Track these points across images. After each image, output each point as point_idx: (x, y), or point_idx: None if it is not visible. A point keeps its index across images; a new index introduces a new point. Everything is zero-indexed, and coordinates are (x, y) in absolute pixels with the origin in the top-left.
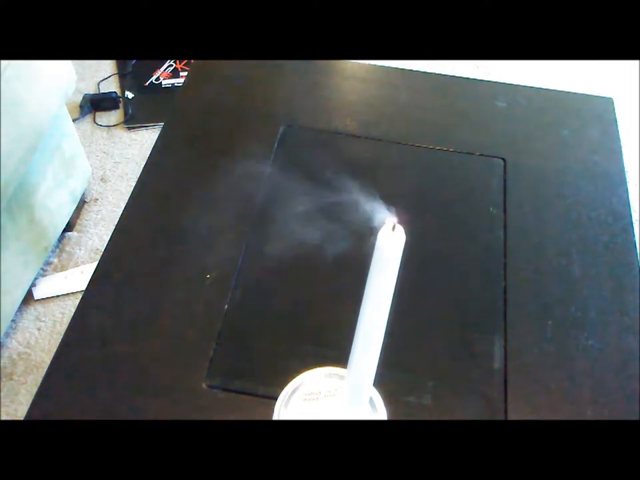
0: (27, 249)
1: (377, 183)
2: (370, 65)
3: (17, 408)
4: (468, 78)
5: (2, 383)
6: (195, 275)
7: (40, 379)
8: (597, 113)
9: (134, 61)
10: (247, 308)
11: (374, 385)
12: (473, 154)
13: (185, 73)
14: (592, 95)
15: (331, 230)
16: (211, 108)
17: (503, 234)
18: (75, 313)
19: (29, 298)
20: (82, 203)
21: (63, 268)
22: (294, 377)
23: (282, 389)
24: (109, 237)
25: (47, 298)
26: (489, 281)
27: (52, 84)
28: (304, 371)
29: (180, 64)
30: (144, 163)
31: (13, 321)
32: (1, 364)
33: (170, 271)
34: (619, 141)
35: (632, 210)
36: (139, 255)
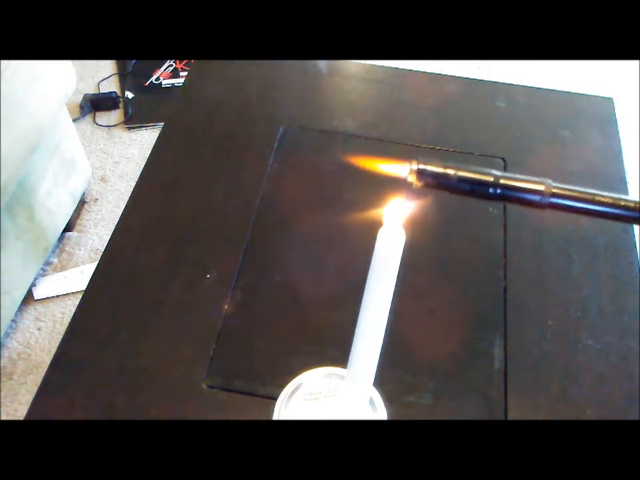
0: (27, 249)
1: (377, 183)
2: (370, 64)
3: (17, 408)
4: (468, 78)
5: (2, 383)
6: (195, 275)
7: (40, 379)
8: (597, 113)
9: (134, 60)
10: (247, 308)
11: (374, 384)
12: (472, 154)
13: (185, 73)
14: (592, 95)
15: (331, 229)
16: (210, 108)
17: (503, 234)
18: (74, 313)
19: (29, 298)
20: (82, 203)
21: (63, 268)
22: (294, 377)
23: (282, 389)
24: (109, 236)
25: (47, 298)
26: (489, 281)
27: (52, 84)
28: (304, 370)
29: (180, 64)
30: (144, 163)
31: (13, 321)
32: (1, 364)
33: (170, 270)
34: (619, 141)
35: None
36: (139, 254)
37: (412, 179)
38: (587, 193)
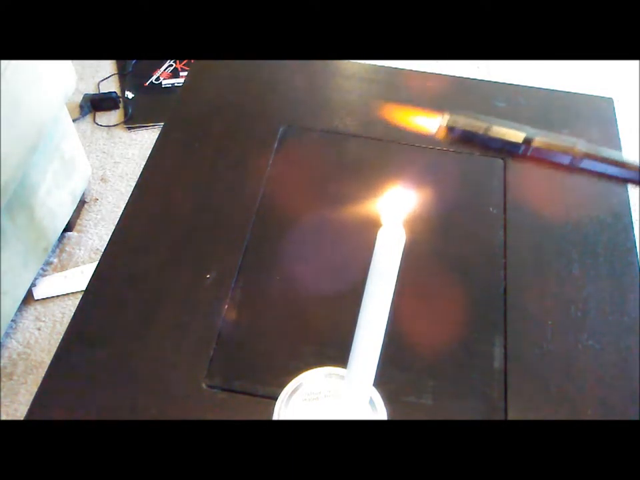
0: (27, 249)
1: (377, 183)
2: (370, 64)
3: (17, 408)
4: (468, 78)
5: (2, 383)
6: (195, 275)
7: (40, 379)
8: (597, 113)
9: (134, 60)
10: (247, 308)
11: (374, 385)
12: (473, 154)
13: (185, 73)
14: (592, 95)
15: (331, 229)
16: (210, 108)
17: (503, 234)
18: (74, 313)
19: (29, 298)
20: (82, 203)
21: (63, 268)
22: (294, 377)
23: (282, 389)
24: (109, 237)
25: (47, 298)
26: (489, 281)
27: (52, 84)
28: (304, 370)
29: (180, 64)
30: (144, 163)
31: (13, 320)
32: (1, 364)
33: (170, 270)
34: (619, 141)
35: (632, 210)
36: (139, 255)
37: (441, 134)
38: (618, 159)
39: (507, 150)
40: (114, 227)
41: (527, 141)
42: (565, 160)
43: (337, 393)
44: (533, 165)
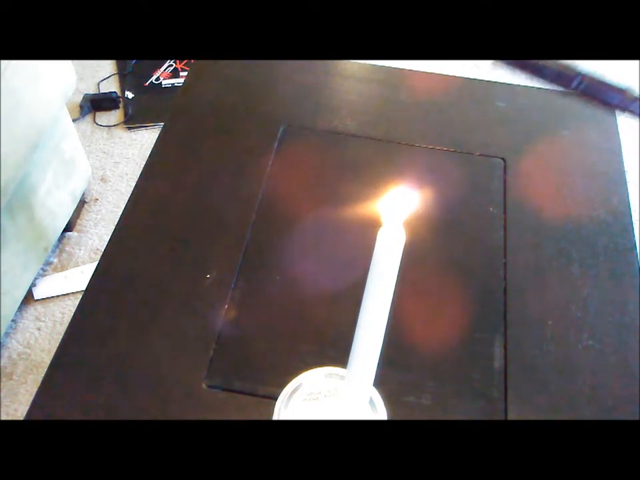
0: (27, 249)
1: (377, 183)
2: (370, 64)
3: (17, 408)
4: (468, 78)
5: (2, 383)
6: (195, 275)
7: (40, 379)
8: (597, 113)
9: (134, 60)
10: (247, 308)
11: (374, 385)
12: (473, 154)
13: (185, 73)
14: None
15: (331, 229)
16: (210, 108)
17: (503, 234)
18: (74, 313)
19: (28, 298)
20: (82, 203)
21: (63, 268)
22: (294, 377)
23: (282, 389)
24: (109, 237)
25: (47, 298)
26: (489, 281)
27: (52, 84)
28: (304, 370)
29: (180, 64)
30: (144, 163)
31: (13, 320)
32: (1, 364)
33: (170, 271)
34: (619, 141)
35: (632, 210)
36: (139, 255)
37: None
38: None
39: (560, 81)
40: (114, 227)
41: (582, 75)
42: (616, 100)
43: (337, 392)
44: (583, 98)
